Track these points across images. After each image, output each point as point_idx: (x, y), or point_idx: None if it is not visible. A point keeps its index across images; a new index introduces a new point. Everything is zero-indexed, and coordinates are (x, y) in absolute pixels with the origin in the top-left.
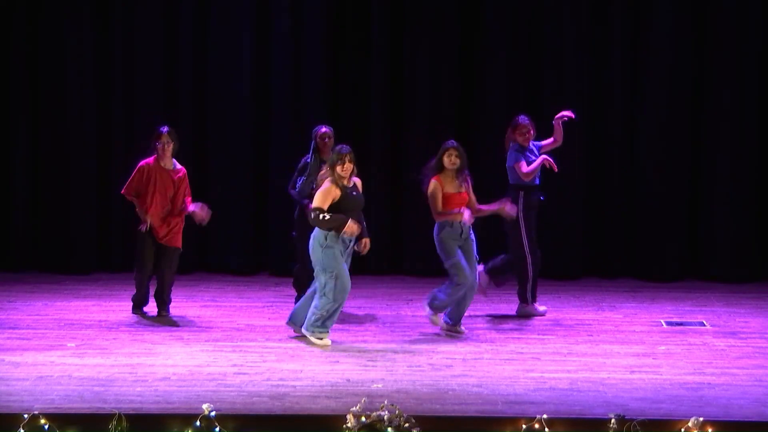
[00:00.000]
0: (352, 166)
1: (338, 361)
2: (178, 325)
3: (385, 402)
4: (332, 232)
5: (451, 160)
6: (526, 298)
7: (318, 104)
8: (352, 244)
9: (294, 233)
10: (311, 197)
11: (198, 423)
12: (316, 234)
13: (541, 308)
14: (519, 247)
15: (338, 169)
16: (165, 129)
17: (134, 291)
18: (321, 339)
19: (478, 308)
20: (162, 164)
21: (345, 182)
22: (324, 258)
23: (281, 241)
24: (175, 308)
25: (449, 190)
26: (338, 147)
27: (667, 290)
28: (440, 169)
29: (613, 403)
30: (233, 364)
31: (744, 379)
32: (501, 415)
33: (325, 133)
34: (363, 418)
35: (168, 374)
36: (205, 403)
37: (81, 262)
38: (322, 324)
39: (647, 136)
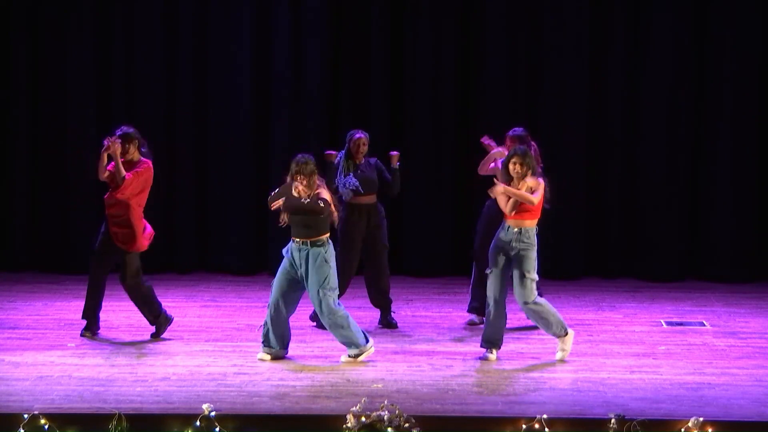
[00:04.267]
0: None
1: (338, 361)
2: (177, 325)
3: (385, 402)
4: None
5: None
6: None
7: (318, 104)
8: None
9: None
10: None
11: (198, 423)
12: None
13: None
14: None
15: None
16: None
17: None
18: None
19: None
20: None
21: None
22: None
23: (281, 241)
24: (176, 308)
25: None
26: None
27: (667, 290)
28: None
29: (613, 403)
30: (233, 364)
31: (744, 379)
32: (501, 415)
33: (359, 138)
34: (363, 418)
35: (168, 374)
36: (205, 403)
37: (81, 262)
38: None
39: (647, 135)
